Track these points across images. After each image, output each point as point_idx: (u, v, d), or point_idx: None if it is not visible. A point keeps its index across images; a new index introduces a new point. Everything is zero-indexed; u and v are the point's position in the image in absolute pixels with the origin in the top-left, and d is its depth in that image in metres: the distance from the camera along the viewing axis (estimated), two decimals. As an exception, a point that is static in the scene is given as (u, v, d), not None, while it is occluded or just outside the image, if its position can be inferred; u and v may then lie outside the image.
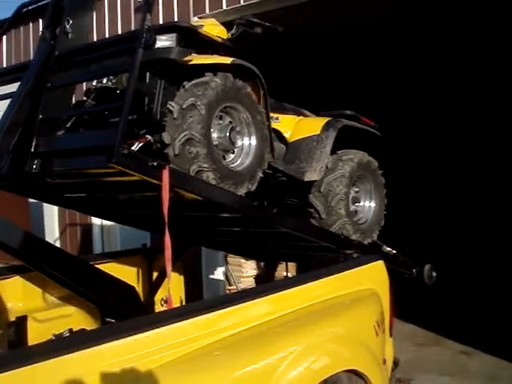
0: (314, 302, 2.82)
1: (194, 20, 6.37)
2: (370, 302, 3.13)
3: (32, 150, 2.81)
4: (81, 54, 3.01)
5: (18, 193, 3.62)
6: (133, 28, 7.48)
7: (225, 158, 3.13)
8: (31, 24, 9.00)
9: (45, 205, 8.31)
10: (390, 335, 3.46)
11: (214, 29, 3.31)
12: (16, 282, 3.47)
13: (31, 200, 6.45)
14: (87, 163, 2.70)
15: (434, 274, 4.51)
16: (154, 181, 2.63)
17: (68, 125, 3.17)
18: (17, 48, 9.48)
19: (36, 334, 3.27)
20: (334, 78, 9.65)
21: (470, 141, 11.30)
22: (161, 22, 7.25)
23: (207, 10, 6.83)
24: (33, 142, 2.81)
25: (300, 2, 6.12)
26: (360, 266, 3.33)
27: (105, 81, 3.14)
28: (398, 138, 9.95)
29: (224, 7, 6.61)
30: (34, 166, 2.81)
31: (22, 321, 3.28)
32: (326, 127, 3.88)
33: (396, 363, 3.64)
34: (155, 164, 2.61)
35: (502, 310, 7.14)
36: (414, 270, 4.50)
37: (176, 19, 7.21)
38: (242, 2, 6.48)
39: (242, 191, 3.13)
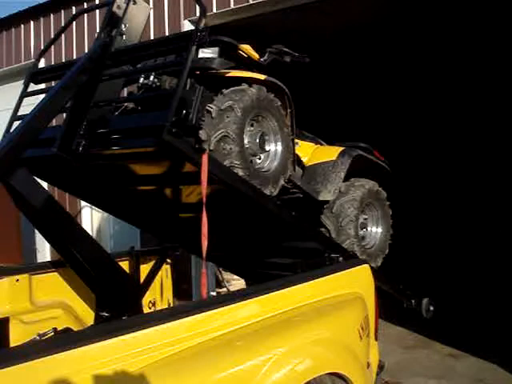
0: (298, 304, 2.84)
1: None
2: (354, 305, 3.14)
3: (81, 132, 2.97)
4: (135, 51, 3.23)
5: (48, 179, 3.74)
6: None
7: (252, 162, 3.34)
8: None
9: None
10: (376, 339, 3.48)
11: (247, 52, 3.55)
12: (3, 284, 3.46)
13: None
14: (136, 144, 2.87)
15: (432, 308, 4.75)
16: (194, 159, 2.83)
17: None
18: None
19: (22, 336, 3.26)
20: (329, 83, 9.66)
21: (478, 168, 11.09)
22: (151, 22, 7.26)
23: (197, 13, 6.83)
24: (82, 125, 2.97)
25: (293, 4, 6.14)
26: (345, 269, 3.36)
27: (150, 81, 3.33)
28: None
29: (214, 10, 6.63)
30: (81, 148, 2.95)
31: (4, 322, 3.27)
32: (342, 154, 4.19)
33: (381, 367, 3.65)
34: (197, 146, 2.84)
35: (490, 312, 7.22)
36: (412, 301, 4.71)
37: (166, 21, 7.25)
38: (232, 6, 6.50)
39: (265, 192, 3.35)
